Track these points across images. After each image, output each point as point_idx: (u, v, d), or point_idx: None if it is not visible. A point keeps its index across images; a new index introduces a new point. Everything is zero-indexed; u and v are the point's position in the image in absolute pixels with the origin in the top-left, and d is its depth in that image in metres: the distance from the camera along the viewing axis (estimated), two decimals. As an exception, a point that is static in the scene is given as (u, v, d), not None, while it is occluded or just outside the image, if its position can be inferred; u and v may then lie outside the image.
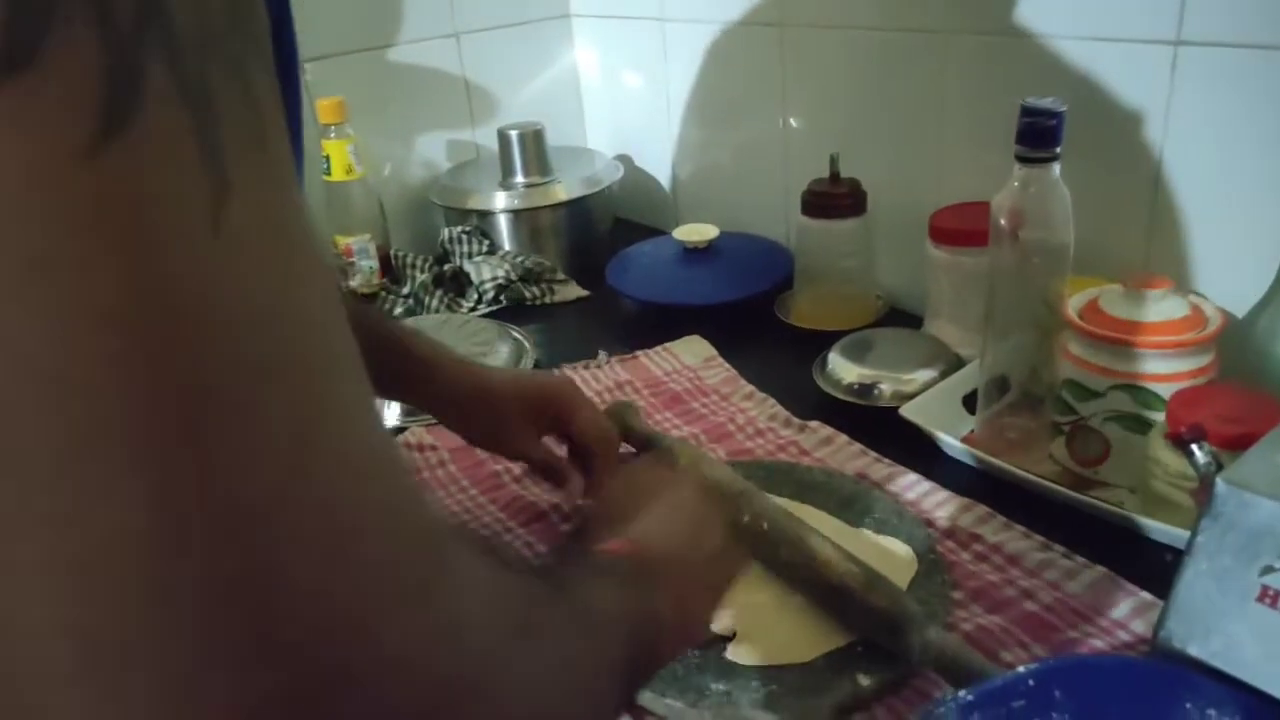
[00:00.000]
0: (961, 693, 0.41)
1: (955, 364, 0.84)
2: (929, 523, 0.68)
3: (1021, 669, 0.42)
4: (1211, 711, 0.42)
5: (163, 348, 0.17)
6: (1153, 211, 0.79)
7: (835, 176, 0.95)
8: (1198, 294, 0.73)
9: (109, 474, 0.17)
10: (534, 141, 1.16)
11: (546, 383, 0.71)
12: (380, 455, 0.22)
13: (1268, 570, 0.46)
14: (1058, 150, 0.66)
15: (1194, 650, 0.47)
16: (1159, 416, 0.66)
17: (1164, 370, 0.67)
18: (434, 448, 0.82)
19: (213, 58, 0.18)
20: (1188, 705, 0.42)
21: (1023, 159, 0.67)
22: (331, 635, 0.19)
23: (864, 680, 0.54)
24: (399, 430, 0.84)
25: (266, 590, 0.18)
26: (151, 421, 0.17)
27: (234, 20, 0.19)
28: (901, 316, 0.98)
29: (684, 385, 0.89)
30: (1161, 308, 0.68)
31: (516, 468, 0.78)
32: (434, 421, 0.84)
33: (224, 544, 0.18)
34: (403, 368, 0.66)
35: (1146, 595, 0.60)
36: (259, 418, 0.19)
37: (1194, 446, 0.52)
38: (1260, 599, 0.46)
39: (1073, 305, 0.71)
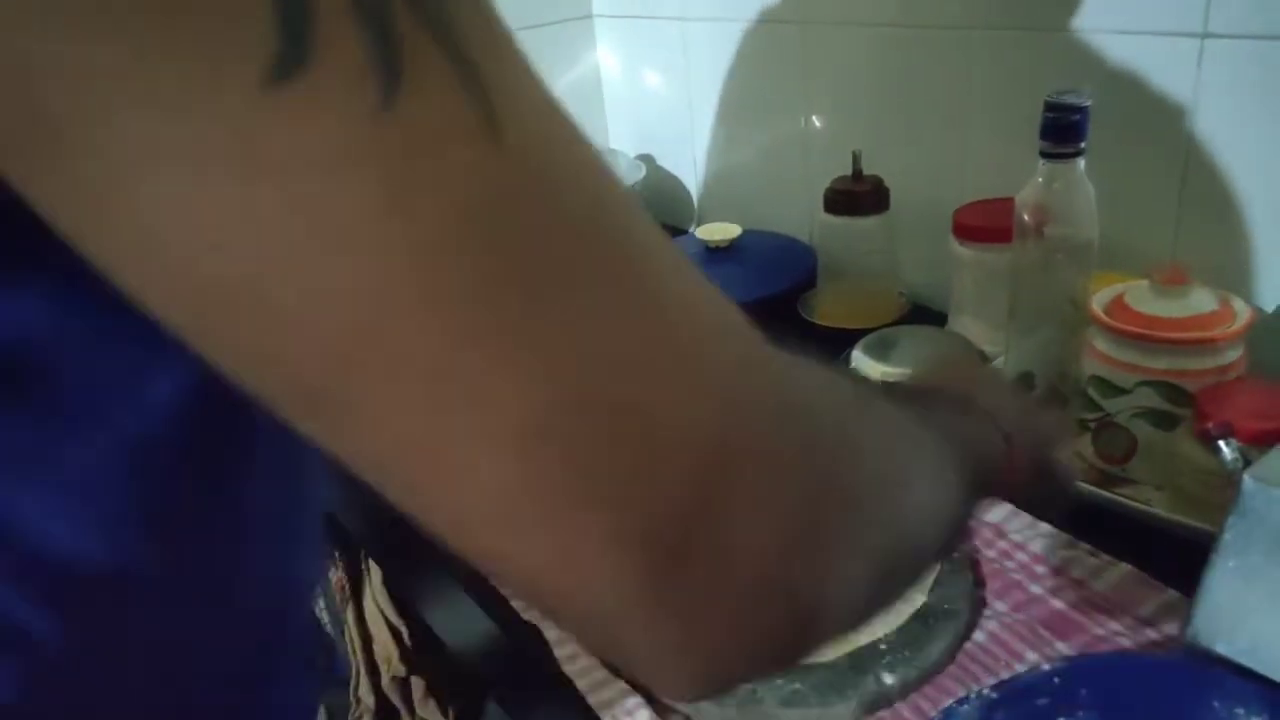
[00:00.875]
0: (986, 690, 0.41)
1: (980, 361, 0.84)
2: (953, 520, 0.68)
3: (1046, 667, 0.42)
4: (1239, 709, 0.41)
5: (509, 241, 0.20)
6: (1180, 206, 0.79)
7: (858, 174, 0.95)
8: (1226, 289, 0.73)
9: (503, 353, 0.19)
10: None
11: None
12: (716, 301, 0.24)
13: (1297, 567, 0.45)
14: (1082, 145, 0.66)
15: (1222, 648, 0.47)
16: (1186, 413, 0.66)
17: (1192, 366, 0.66)
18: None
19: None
20: (1215, 703, 0.42)
21: (1047, 154, 0.67)
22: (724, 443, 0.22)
23: (888, 678, 0.54)
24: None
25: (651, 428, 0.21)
26: (528, 304, 0.20)
27: None
28: (925, 314, 0.97)
29: (707, 384, 0.89)
30: (1189, 303, 0.67)
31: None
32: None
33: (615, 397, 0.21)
34: None
35: (1174, 593, 0.59)
36: (618, 284, 0.21)
37: (1221, 443, 0.52)
38: (1289, 596, 0.46)
39: (1098, 301, 0.71)
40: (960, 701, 0.43)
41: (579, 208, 0.21)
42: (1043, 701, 0.41)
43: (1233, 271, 0.76)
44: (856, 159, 0.94)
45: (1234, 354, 0.67)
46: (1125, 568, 0.62)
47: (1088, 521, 0.66)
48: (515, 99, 0.21)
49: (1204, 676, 0.44)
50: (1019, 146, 0.70)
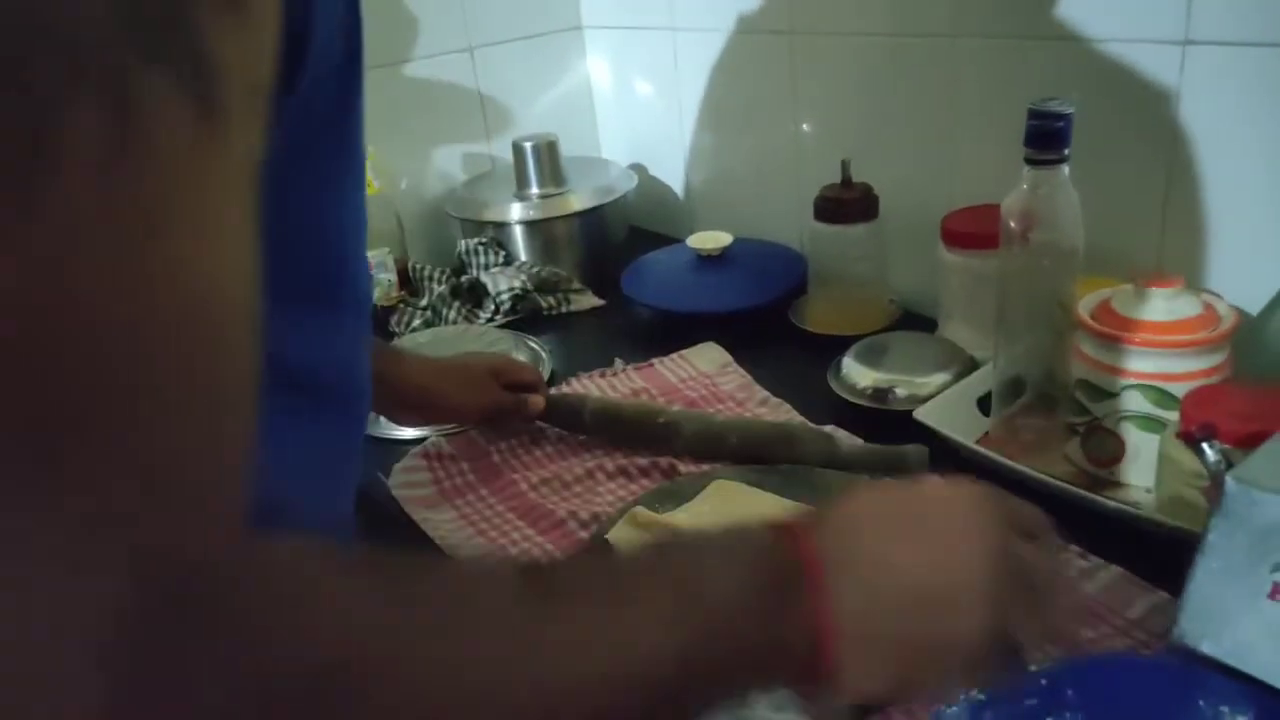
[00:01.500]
0: (974, 691, 0.42)
1: (969, 366, 0.84)
2: (944, 525, 0.68)
3: (1034, 668, 0.43)
4: (1224, 708, 0.42)
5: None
6: (1166, 210, 0.79)
7: (847, 181, 0.95)
8: (1211, 292, 0.73)
9: None
10: (548, 153, 1.18)
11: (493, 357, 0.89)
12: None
13: (1279, 568, 0.46)
14: (1066, 152, 0.67)
15: (1207, 648, 0.48)
16: (1173, 415, 0.66)
17: (1177, 369, 0.67)
18: (453, 457, 0.83)
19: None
20: (1200, 703, 0.42)
21: (1031, 161, 0.68)
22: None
23: (879, 682, 0.55)
24: (419, 440, 0.85)
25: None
26: None
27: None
28: (915, 320, 0.98)
29: (700, 392, 0.90)
30: (1174, 306, 0.68)
31: (534, 476, 0.79)
32: (453, 431, 0.86)
33: None
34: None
35: (1163, 594, 0.60)
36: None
37: (1204, 445, 0.53)
38: (1272, 596, 0.46)
39: (1085, 306, 0.71)
40: (949, 703, 0.44)
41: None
42: (1031, 703, 0.41)
43: (1218, 275, 0.77)
44: (845, 167, 0.95)
45: (1219, 357, 0.68)
46: (1115, 570, 0.62)
47: (1077, 524, 0.67)
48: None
49: (1190, 676, 0.44)
50: (1007, 154, 0.71)
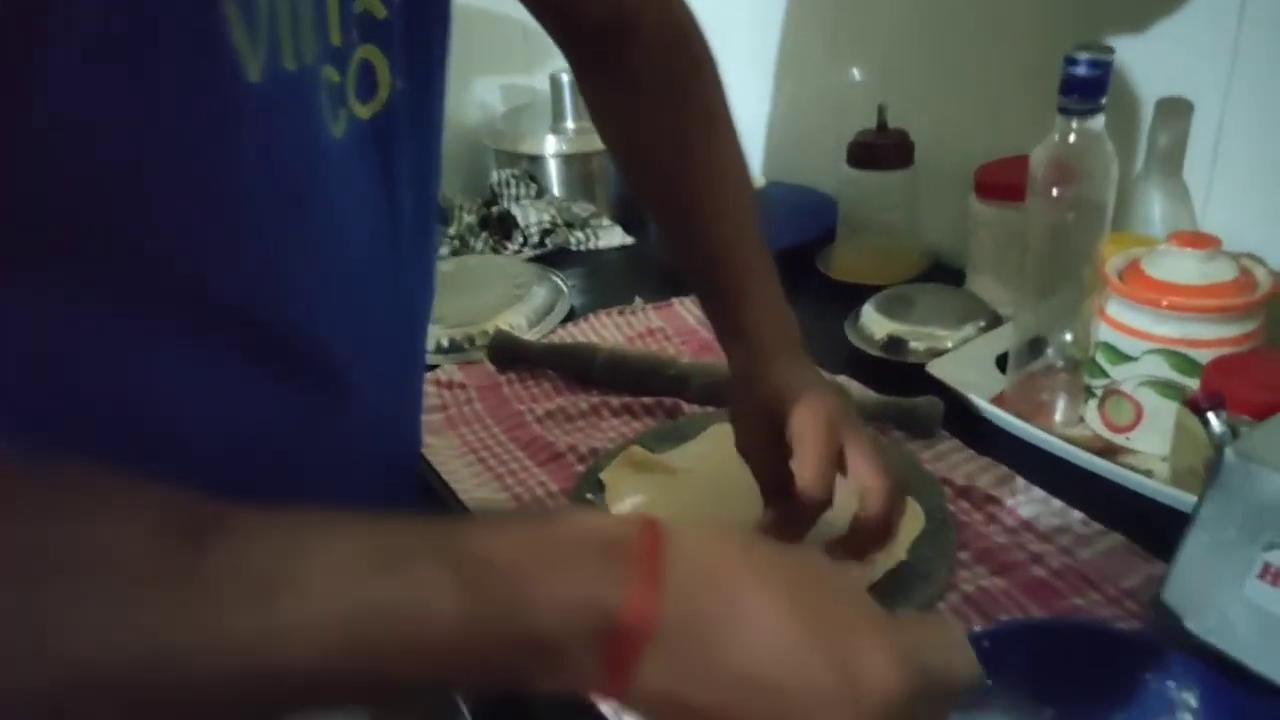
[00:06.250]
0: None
1: (993, 322, 0.82)
2: (945, 480, 0.67)
3: (977, 629, 0.41)
4: (1170, 683, 0.40)
5: None
6: (1214, 166, 0.75)
7: (883, 126, 0.92)
8: (1252, 256, 0.69)
9: None
10: (570, 90, 1.15)
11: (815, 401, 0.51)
12: None
13: (1271, 546, 0.44)
14: (1102, 101, 0.63)
15: (1190, 624, 0.46)
16: (1194, 383, 0.63)
17: (1204, 335, 0.64)
18: (462, 385, 0.83)
19: None
20: (1147, 675, 0.41)
21: (1065, 110, 0.64)
22: None
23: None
24: (430, 368, 0.86)
25: None
26: None
27: None
28: (945, 273, 0.95)
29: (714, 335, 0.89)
30: (1207, 269, 0.64)
31: (539, 409, 0.79)
32: (467, 360, 0.87)
33: None
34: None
35: (1162, 565, 0.57)
36: None
37: (1211, 415, 0.50)
38: (1261, 575, 0.44)
39: (1113, 265, 0.68)
40: None
41: None
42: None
43: (1260, 236, 0.73)
44: (882, 111, 0.92)
45: (1251, 324, 0.64)
46: (1115, 538, 0.60)
47: (1086, 489, 0.65)
48: None
49: (1140, 648, 0.43)
50: (1047, 105, 0.67)
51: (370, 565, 0.27)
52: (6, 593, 0.24)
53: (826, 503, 0.48)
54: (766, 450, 0.53)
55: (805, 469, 0.48)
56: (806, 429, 0.49)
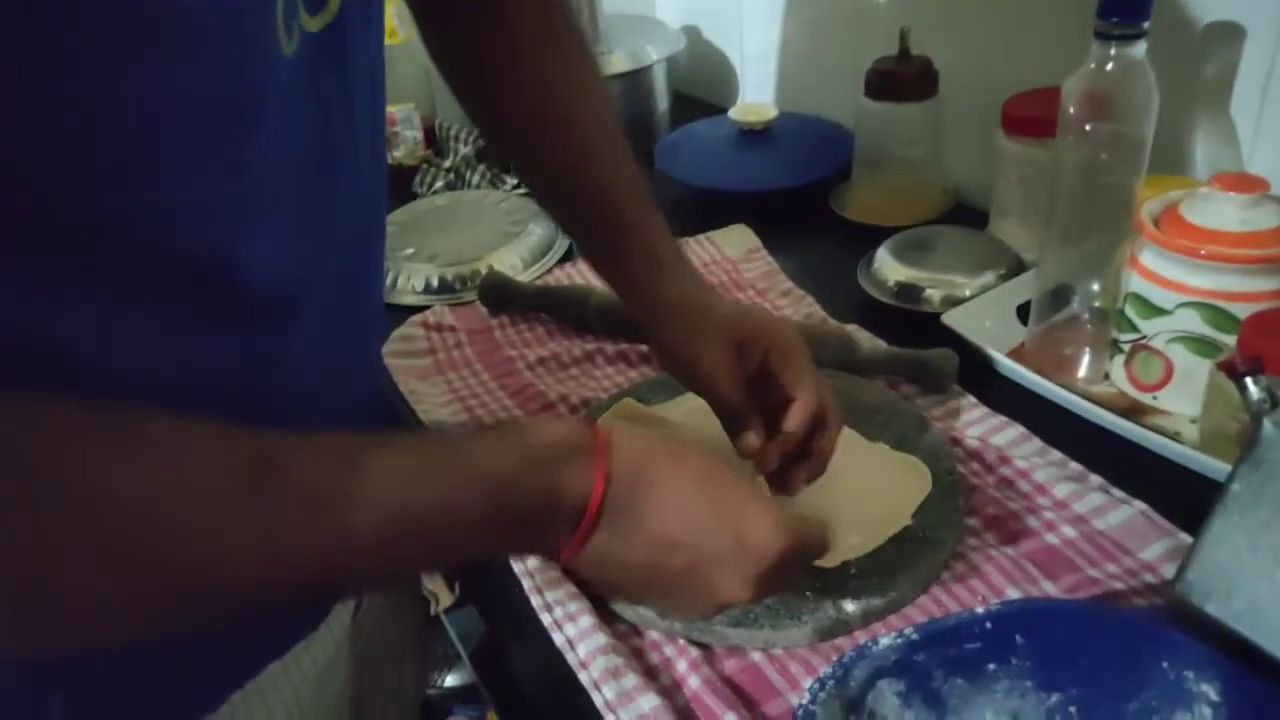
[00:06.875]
0: (908, 629, 0.37)
1: (1016, 269, 0.76)
2: (956, 441, 0.63)
3: (980, 609, 0.38)
4: (1189, 673, 0.36)
5: None
6: (1264, 101, 0.69)
7: (904, 53, 0.86)
8: (1302, 203, 0.64)
9: None
10: (588, 9, 1.09)
11: (770, 323, 0.57)
12: None
13: (1310, 528, 0.40)
14: (1145, 25, 0.57)
15: (1212, 609, 0.42)
16: (1230, 340, 0.58)
17: (1243, 288, 0.59)
18: (452, 329, 0.79)
19: None
20: (1164, 664, 0.37)
21: (1103, 35, 0.58)
22: None
23: (849, 606, 0.51)
24: (420, 309, 0.82)
25: None
26: None
27: None
28: (969, 214, 0.89)
29: (720, 277, 0.84)
30: (1249, 216, 0.59)
31: (531, 355, 0.75)
32: (458, 302, 0.83)
33: None
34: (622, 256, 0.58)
35: (1186, 537, 0.54)
36: None
37: (1249, 379, 0.45)
38: (1297, 559, 0.40)
39: (1148, 210, 0.63)
40: (874, 641, 0.39)
41: None
42: (972, 646, 0.36)
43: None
44: (904, 36, 0.85)
45: (1296, 277, 0.59)
46: (1135, 506, 0.56)
47: (1105, 451, 0.61)
48: None
49: (1156, 634, 0.39)
50: (1084, 32, 0.61)
51: (413, 481, 0.36)
52: (126, 525, 0.31)
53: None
54: (735, 373, 0.55)
55: (796, 415, 0.53)
56: (803, 373, 0.55)
